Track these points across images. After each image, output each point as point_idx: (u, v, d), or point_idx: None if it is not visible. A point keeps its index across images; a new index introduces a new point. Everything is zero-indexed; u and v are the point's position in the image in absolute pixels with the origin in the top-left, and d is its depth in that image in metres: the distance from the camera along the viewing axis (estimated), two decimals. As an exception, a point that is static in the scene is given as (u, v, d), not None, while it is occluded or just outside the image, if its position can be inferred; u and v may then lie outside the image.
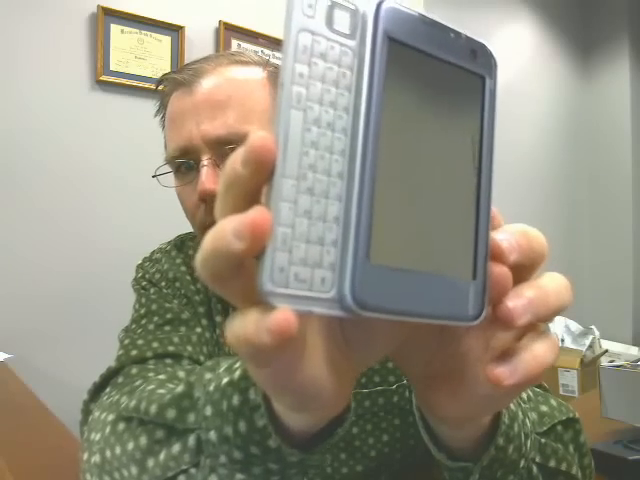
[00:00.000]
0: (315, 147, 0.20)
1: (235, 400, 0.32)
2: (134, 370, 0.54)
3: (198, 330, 0.61)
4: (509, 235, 0.25)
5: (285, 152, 0.19)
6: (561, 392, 3.06)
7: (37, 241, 1.57)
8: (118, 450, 0.40)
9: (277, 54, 2.06)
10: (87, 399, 0.55)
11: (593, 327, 3.22)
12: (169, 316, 0.61)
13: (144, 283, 0.66)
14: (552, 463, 0.41)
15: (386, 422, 0.59)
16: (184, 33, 1.82)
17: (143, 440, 0.38)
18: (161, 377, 0.48)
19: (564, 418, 0.46)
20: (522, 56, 3.12)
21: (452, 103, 0.23)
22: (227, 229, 0.19)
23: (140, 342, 0.57)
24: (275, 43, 2.05)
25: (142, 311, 0.62)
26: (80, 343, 1.57)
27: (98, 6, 1.64)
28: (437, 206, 0.22)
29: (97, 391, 0.55)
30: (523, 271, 0.25)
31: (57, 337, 1.56)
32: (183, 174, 0.60)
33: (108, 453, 0.41)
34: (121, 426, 0.41)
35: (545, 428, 0.44)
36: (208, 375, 0.37)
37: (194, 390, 0.37)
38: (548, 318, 0.26)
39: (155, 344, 0.57)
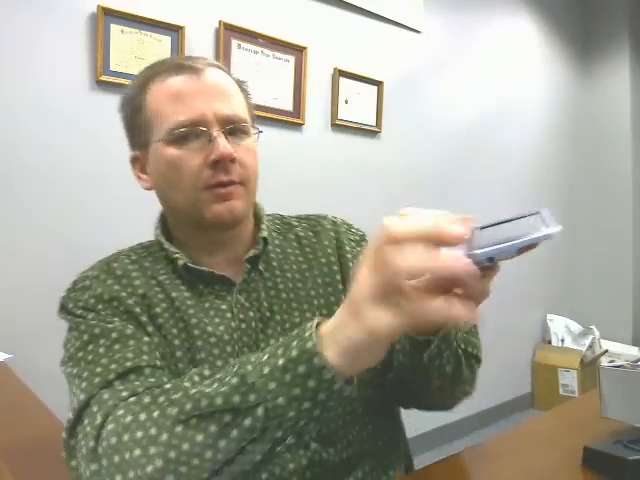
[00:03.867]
0: None
1: (301, 369, 0.44)
2: (105, 395, 0.57)
3: (146, 339, 0.64)
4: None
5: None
6: (561, 392, 3.06)
7: (37, 242, 1.57)
8: (186, 446, 0.47)
9: (277, 54, 2.05)
10: (66, 436, 0.58)
11: (593, 327, 3.22)
12: (114, 335, 0.63)
13: (79, 312, 0.68)
14: (469, 349, 0.71)
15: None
16: (184, 33, 1.81)
17: (213, 428, 0.47)
18: (168, 386, 0.54)
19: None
20: (522, 56, 3.12)
21: None
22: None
23: (98, 369, 0.60)
24: (275, 43, 2.05)
25: (85, 337, 0.64)
26: (80, 343, 1.57)
27: (98, 6, 1.64)
28: None
29: (74, 426, 0.58)
30: None
31: (57, 337, 1.55)
32: (188, 142, 0.67)
33: (172, 454, 0.47)
34: (179, 428, 0.48)
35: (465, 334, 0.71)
36: (249, 367, 0.47)
37: (246, 378, 0.46)
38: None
39: (113, 365, 0.59)
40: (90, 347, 0.62)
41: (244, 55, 1.98)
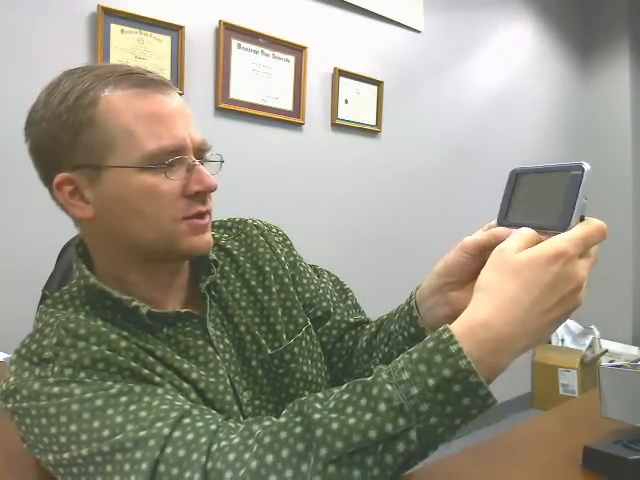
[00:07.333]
0: None
1: (456, 388, 0.44)
2: (181, 453, 0.49)
3: (160, 390, 0.56)
4: None
5: None
6: (561, 392, 3.06)
7: (36, 241, 1.57)
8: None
9: (277, 54, 2.05)
10: None
11: (593, 327, 3.22)
12: (124, 399, 0.53)
13: (56, 389, 0.54)
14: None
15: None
16: (184, 33, 1.82)
17: (369, 460, 0.44)
18: (283, 422, 0.48)
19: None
20: (522, 56, 3.12)
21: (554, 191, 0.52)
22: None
23: (141, 433, 0.50)
24: (275, 43, 2.05)
25: (114, 390, 0.53)
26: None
27: (98, 6, 1.65)
28: None
29: None
30: None
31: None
32: (168, 170, 0.60)
33: None
34: (332, 469, 0.44)
35: None
36: (389, 386, 0.45)
37: (392, 402, 0.44)
38: None
39: (158, 423, 0.51)
40: (97, 421, 0.51)
41: (244, 55, 1.98)
